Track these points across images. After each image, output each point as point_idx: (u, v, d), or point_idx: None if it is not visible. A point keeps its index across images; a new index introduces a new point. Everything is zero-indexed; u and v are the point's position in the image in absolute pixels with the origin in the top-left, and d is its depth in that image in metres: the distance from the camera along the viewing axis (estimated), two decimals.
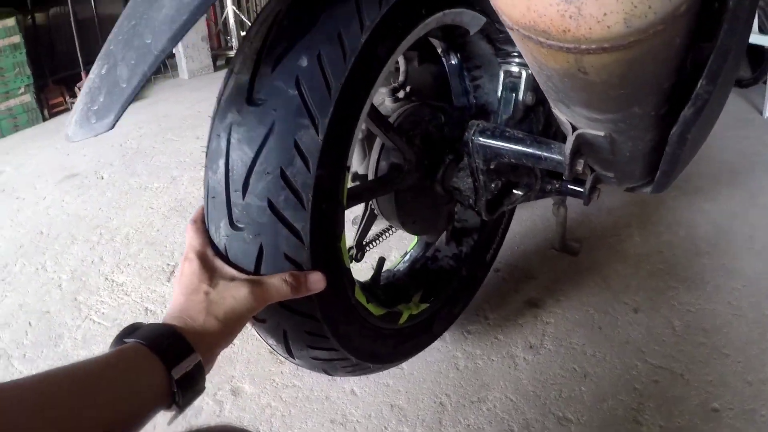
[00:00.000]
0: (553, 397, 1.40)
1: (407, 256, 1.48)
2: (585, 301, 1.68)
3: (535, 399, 1.40)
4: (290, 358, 1.00)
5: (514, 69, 1.08)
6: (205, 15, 4.51)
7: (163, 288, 1.93)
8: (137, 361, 0.68)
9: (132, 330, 0.73)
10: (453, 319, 1.48)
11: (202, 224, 0.91)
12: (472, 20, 1.07)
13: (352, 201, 1.02)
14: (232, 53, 4.79)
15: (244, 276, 0.86)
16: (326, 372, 1.07)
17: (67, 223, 2.43)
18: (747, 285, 1.67)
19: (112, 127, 0.74)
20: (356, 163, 1.19)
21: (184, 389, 0.70)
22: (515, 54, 1.08)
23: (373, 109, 0.99)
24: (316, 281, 0.89)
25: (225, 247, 0.86)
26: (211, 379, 1.50)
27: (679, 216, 2.02)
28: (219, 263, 0.87)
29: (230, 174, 0.83)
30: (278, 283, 0.85)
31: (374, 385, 1.46)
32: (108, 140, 3.23)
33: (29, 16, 3.93)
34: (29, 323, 1.84)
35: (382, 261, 1.29)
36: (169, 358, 0.69)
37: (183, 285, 0.83)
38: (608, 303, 1.67)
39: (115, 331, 1.65)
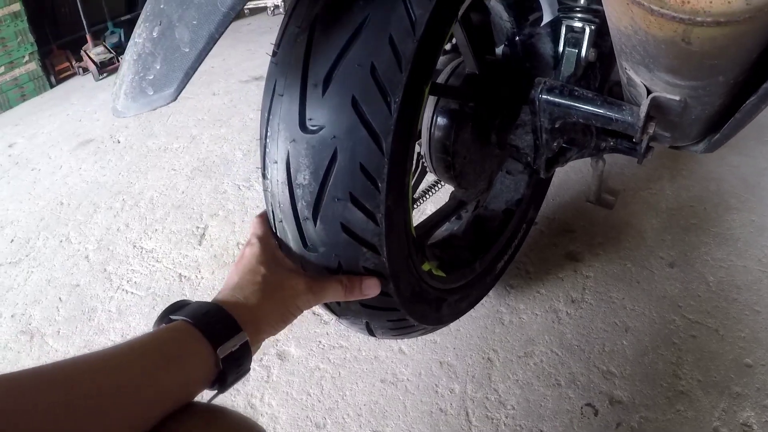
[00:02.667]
0: (596, 351, 1.41)
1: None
2: (622, 255, 1.69)
3: (579, 353, 1.41)
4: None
5: (577, 24, 1.05)
6: None
7: (195, 252, 1.92)
8: (184, 340, 0.67)
9: (178, 307, 0.73)
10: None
11: (266, 218, 0.91)
12: None
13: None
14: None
15: (302, 272, 0.86)
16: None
17: (87, 192, 2.40)
18: None
19: (175, 98, 0.68)
20: None
21: (230, 369, 0.69)
22: (578, 9, 1.05)
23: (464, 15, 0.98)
24: (371, 287, 0.88)
25: (287, 154, 0.82)
26: None
27: (709, 170, 2.01)
28: (280, 254, 0.88)
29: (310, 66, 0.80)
30: (335, 285, 0.85)
31: (422, 343, 1.48)
32: None
33: None
34: (59, 298, 1.82)
35: None
36: (215, 336, 0.68)
37: (241, 265, 0.83)
38: (644, 257, 1.67)
39: (150, 300, 1.71)
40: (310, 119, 0.79)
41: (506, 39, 1.23)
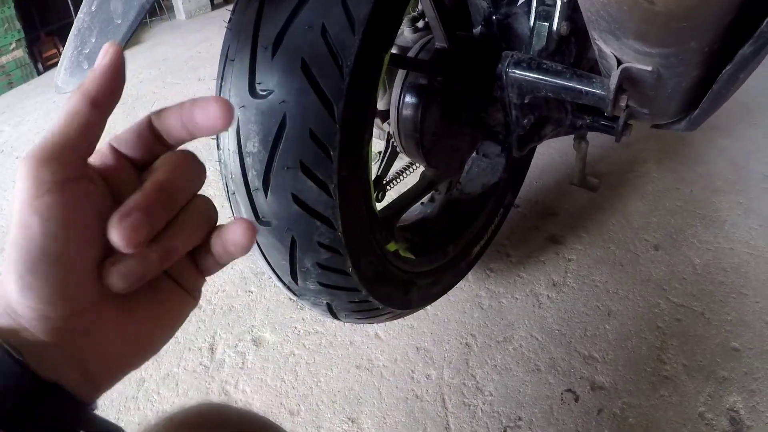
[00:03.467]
0: (578, 336, 1.39)
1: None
2: (606, 237, 1.66)
3: (560, 337, 1.39)
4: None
5: None
6: None
7: None
8: None
9: None
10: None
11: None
12: None
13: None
14: None
15: None
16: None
17: None
18: (763, 224, 1.64)
19: None
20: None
21: None
22: None
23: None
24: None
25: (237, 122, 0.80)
26: (231, 330, 1.51)
27: (696, 152, 1.98)
28: None
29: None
30: None
31: (398, 327, 1.45)
32: None
33: None
34: None
35: None
36: None
37: None
38: (629, 240, 1.64)
39: None
40: (259, 83, 0.77)
41: (482, 19, 1.20)
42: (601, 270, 1.56)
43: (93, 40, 0.67)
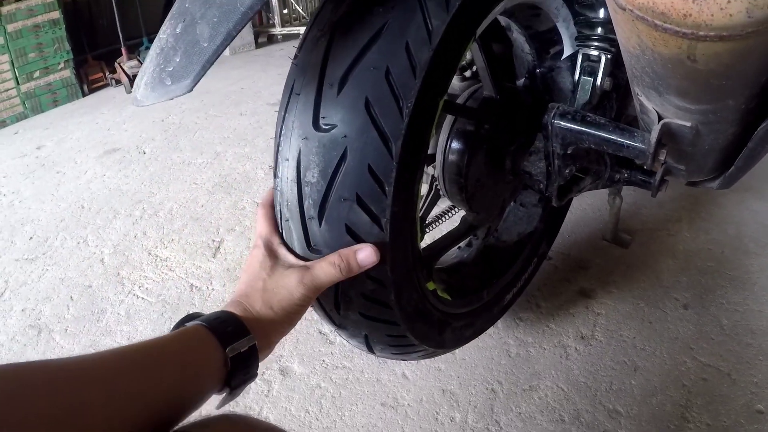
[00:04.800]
0: (603, 389, 1.38)
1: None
2: (636, 294, 1.66)
3: (586, 390, 1.38)
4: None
5: (593, 53, 1.05)
6: None
7: (208, 264, 1.93)
8: (197, 340, 0.70)
9: (193, 317, 0.75)
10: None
11: (271, 209, 0.90)
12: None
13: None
14: (274, 30, 4.79)
15: (299, 263, 0.85)
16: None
17: (108, 198, 2.43)
18: None
19: (191, 89, 0.71)
20: None
21: (237, 370, 0.71)
22: (595, 37, 1.05)
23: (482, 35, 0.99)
24: (367, 256, 0.83)
25: (299, 152, 0.84)
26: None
27: (729, 214, 1.98)
28: (283, 251, 0.87)
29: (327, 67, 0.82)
30: (326, 267, 0.82)
31: (426, 369, 1.46)
32: (149, 116, 3.24)
33: None
34: (71, 297, 1.84)
35: None
36: (224, 337, 0.70)
37: (247, 272, 0.84)
38: (659, 298, 1.64)
39: (159, 307, 1.73)
40: (323, 117, 0.80)
41: (527, 71, 1.24)
42: (630, 325, 1.56)
43: (177, 60, 0.71)
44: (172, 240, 2.09)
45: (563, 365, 1.45)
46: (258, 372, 0.75)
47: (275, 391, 1.43)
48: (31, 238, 2.20)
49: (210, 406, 0.70)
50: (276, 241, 0.88)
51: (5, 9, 3.30)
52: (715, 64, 0.60)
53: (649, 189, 1.16)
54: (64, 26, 3.62)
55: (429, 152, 1.18)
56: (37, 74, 3.56)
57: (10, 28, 3.37)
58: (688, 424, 1.29)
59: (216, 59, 0.69)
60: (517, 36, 1.18)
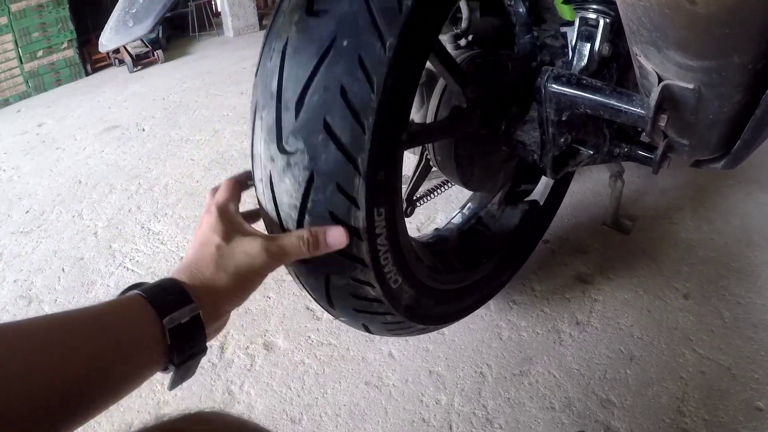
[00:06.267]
0: (597, 378, 1.34)
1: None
2: (635, 281, 1.61)
3: (578, 377, 1.34)
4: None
5: (591, 16, 1.00)
6: None
7: None
8: (130, 311, 0.63)
9: (136, 286, 0.69)
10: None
11: (236, 184, 0.86)
12: None
13: (409, 143, 0.95)
14: None
15: (260, 233, 0.79)
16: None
17: (105, 173, 2.43)
18: None
19: (151, 29, 0.71)
20: (413, 110, 1.12)
21: (179, 344, 0.64)
22: (593, 0, 1.00)
23: (439, 46, 0.92)
24: (337, 237, 0.81)
25: (270, 174, 0.80)
26: (244, 331, 1.49)
27: (733, 205, 1.93)
28: (239, 219, 0.81)
29: (282, 89, 0.77)
30: (295, 241, 0.79)
31: (413, 349, 1.41)
32: (150, 94, 3.24)
33: None
34: (62, 269, 1.85)
35: None
36: (163, 305, 0.64)
37: (197, 237, 0.78)
38: (658, 286, 1.59)
39: (148, 280, 1.67)
40: (287, 142, 0.78)
41: (525, 36, 1.19)
42: (627, 313, 1.51)
43: (140, 2, 0.71)
44: (166, 214, 2.07)
45: (556, 351, 1.40)
46: (207, 346, 0.69)
47: (258, 366, 1.39)
48: (27, 211, 2.21)
49: (190, 402, 0.66)
50: (232, 208, 0.82)
51: None
52: (716, 7, 0.55)
53: (650, 165, 1.11)
54: (68, 6, 3.64)
55: (420, 121, 1.14)
56: (40, 53, 3.57)
57: (14, 7, 3.38)
58: (684, 418, 1.24)
59: (174, 2, 0.69)
60: (513, 4, 1.13)
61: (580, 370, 1.36)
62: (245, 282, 0.75)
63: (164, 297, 0.65)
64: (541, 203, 1.47)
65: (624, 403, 1.28)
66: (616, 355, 1.39)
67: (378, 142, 0.77)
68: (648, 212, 1.90)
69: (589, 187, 2.02)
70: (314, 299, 0.93)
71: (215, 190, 0.84)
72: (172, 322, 0.63)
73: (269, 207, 0.84)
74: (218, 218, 0.78)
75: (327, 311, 0.96)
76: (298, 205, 0.79)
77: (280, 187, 0.80)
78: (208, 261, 0.73)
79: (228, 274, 0.73)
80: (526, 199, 1.47)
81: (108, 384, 0.58)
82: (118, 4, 0.73)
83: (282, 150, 0.78)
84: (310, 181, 0.77)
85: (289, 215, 0.81)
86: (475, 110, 1.07)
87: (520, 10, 1.17)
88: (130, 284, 0.70)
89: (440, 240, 1.36)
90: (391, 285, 0.93)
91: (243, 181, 0.88)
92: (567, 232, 1.82)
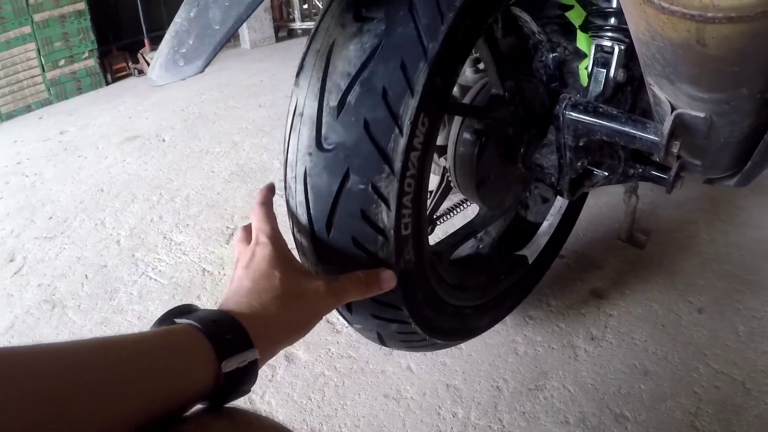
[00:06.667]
0: (611, 393, 1.36)
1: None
2: (650, 296, 1.63)
3: (593, 392, 1.36)
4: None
5: (606, 43, 1.03)
6: None
7: (221, 250, 1.95)
8: (187, 345, 0.59)
9: (185, 311, 0.66)
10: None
11: (271, 208, 0.84)
12: None
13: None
14: (294, 25, 4.82)
15: (316, 274, 0.81)
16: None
17: (127, 183, 2.46)
18: None
19: (202, 70, 0.73)
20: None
21: (230, 387, 0.60)
22: (608, 27, 1.03)
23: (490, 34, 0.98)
24: (388, 279, 0.84)
25: (305, 171, 0.83)
26: None
27: (749, 216, 1.94)
28: (291, 254, 0.79)
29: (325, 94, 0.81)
30: (354, 281, 0.80)
31: (431, 363, 1.44)
32: (170, 105, 3.28)
33: None
34: (86, 276, 1.88)
35: None
36: (223, 347, 0.59)
37: (252, 270, 0.74)
38: (673, 301, 1.61)
39: (171, 289, 1.73)
40: (326, 138, 0.81)
41: (542, 63, 1.22)
42: (642, 328, 1.53)
43: (190, 42, 0.73)
44: (187, 225, 2.10)
45: (571, 366, 1.43)
46: (251, 388, 0.65)
47: (279, 377, 1.43)
48: (50, 217, 2.26)
49: None
50: (284, 242, 0.80)
51: None
52: (726, 49, 0.58)
53: (664, 185, 1.14)
54: (89, 17, 3.71)
55: (441, 143, 1.17)
56: (62, 62, 3.64)
57: (37, 17, 3.45)
58: None
59: (226, 41, 0.71)
60: (531, 27, 1.16)
61: (595, 384, 1.38)
62: (308, 323, 0.74)
63: (222, 335, 0.61)
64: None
65: (638, 418, 1.30)
66: (631, 370, 1.41)
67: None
68: (663, 225, 1.91)
69: (605, 201, 2.04)
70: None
71: (262, 203, 0.84)
72: (229, 365, 0.59)
73: (300, 209, 0.86)
74: (273, 251, 0.76)
75: (343, 316, 1.00)
76: (330, 202, 0.82)
77: (315, 183, 0.83)
78: (272, 297, 0.70)
79: (292, 313, 0.71)
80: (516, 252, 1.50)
81: (158, 409, 0.54)
82: (165, 40, 0.75)
83: (321, 148, 0.81)
84: (345, 179, 0.80)
85: (321, 211, 0.84)
86: (511, 105, 1.11)
87: (536, 32, 1.19)
88: (176, 306, 0.67)
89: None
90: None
91: (272, 201, 0.87)
92: (582, 247, 1.84)
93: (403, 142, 0.78)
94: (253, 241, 0.79)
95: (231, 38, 0.72)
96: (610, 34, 1.04)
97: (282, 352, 1.48)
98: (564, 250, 1.68)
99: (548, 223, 1.49)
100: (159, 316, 0.67)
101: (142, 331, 0.59)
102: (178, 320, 0.63)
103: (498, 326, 1.45)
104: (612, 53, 1.04)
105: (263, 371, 1.40)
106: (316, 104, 0.81)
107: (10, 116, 3.46)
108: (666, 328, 1.52)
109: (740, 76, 0.66)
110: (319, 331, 1.55)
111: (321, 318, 0.76)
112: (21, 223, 2.23)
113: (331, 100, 0.80)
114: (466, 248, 1.41)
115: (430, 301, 1.01)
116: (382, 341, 1.02)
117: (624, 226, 1.78)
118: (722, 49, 0.58)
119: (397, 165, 0.79)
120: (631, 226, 1.77)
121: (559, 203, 1.49)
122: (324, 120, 0.81)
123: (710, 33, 0.55)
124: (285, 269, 0.74)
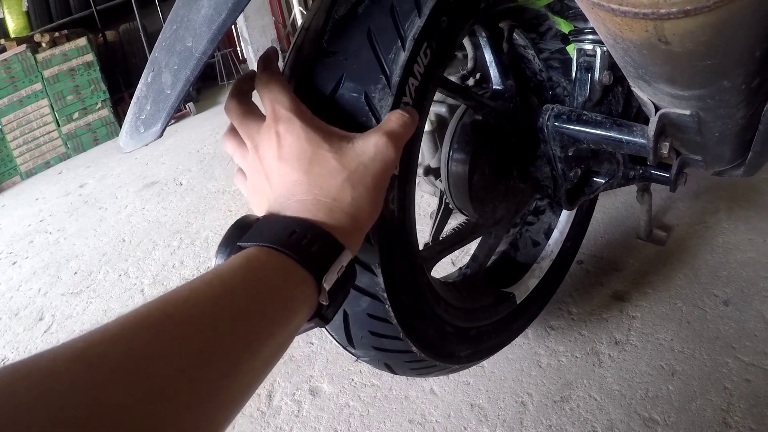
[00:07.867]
0: (639, 397, 1.33)
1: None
2: (673, 293, 1.59)
3: (620, 398, 1.33)
4: None
5: (587, 47, 1.01)
6: (273, 18, 4.56)
7: None
8: (280, 276, 0.51)
9: (243, 226, 0.59)
10: None
11: (280, 74, 0.70)
12: None
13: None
14: None
15: (351, 133, 0.64)
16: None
17: (148, 230, 2.51)
18: None
19: (160, 135, 0.72)
20: (428, 157, 1.16)
21: (335, 299, 0.55)
22: (587, 30, 1.01)
23: (449, 84, 0.96)
24: (413, 113, 0.71)
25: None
26: (290, 378, 1.53)
27: None
28: (321, 120, 0.65)
29: None
30: (400, 120, 0.66)
31: (454, 384, 1.43)
32: (185, 147, 3.33)
33: (100, 35, 4.11)
34: None
35: None
36: (316, 264, 0.52)
37: (294, 158, 0.60)
38: (697, 295, 1.57)
39: None
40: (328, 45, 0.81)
41: (529, 74, 1.21)
42: (667, 327, 1.49)
43: (148, 108, 0.74)
44: (208, 267, 2.11)
45: (596, 374, 1.40)
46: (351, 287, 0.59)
47: (305, 411, 1.43)
48: (75, 272, 2.30)
49: None
50: (309, 111, 0.65)
51: (40, 56, 3.47)
52: (692, 44, 0.55)
53: (667, 184, 1.11)
54: (99, 67, 3.80)
55: (435, 166, 1.17)
56: (76, 115, 3.73)
57: (46, 73, 3.54)
58: (730, 430, 1.22)
59: (178, 105, 0.71)
60: (516, 37, 1.15)
61: (621, 390, 1.35)
62: (382, 189, 0.63)
63: (309, 249, 0.53)
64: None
65: (668, 421, 1.27)
66: (657, 371, 1.38)
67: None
68: (682, 219, 1.88)
69: (621, 200, 2.01)
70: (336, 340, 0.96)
71: (242, 83, 0.74)
72: (330, 281, 0.53)
73: None
74: (305, 125, 0.62)
75: (347, 350, 0.97)
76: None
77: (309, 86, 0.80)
78: (339, 183, 0.59)
79: (365, 187, 0.60)
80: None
81: (264, 370, 0.50)
82: (131, 106, 0.77)
83: (321, 53, 0.80)
84: (339, 83, 0.76)
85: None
86: (511, 102, 1.11)
87: (522, 43, 1.19)
88: (234, 223, 0.62)
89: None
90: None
91: (278, 67, 0.73)
92: (601, 250, 1.82)
93: (403, 56, 0.76)
94: (270, 120, 0.65)
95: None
96: (590, 36, 1.03)
97: (306, 386, 1.48)
98: (582, 254, 1.66)
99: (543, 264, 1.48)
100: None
101: (215, 275, 0.51)
102: (242, 244, 0.56)
103: (519, 339, 1.44)
104: (595, 56, 1.02)
105: (289, 407, 1.42)
106: (324, 17, 0.80)
107: (30, 174, 3.55)
108: (691, 325, 1.49)
109: (716, 69, 0.63)
110: (342, 362, 1.55)
111: (390, 176, 0.64)
112: (47, 280, 2.28)
113: (340, 12, 0.79)
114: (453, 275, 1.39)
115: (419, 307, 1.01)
116: (391, 370, 1.01)
117: (642, 225, 1.75)
118: (688, 45, 0.55)
119: (395, 79, 0.75)
120: (649, 224, 1.74)
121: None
122: (329, 29, 0.80)
123: (670, 30, 0.52)
124: (331, 142, 0.61)
